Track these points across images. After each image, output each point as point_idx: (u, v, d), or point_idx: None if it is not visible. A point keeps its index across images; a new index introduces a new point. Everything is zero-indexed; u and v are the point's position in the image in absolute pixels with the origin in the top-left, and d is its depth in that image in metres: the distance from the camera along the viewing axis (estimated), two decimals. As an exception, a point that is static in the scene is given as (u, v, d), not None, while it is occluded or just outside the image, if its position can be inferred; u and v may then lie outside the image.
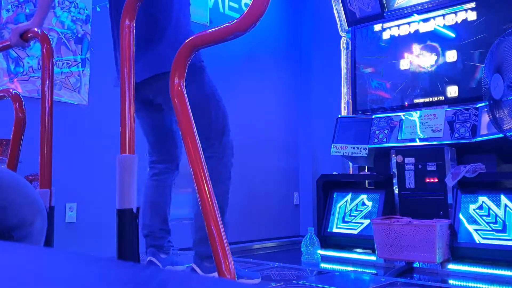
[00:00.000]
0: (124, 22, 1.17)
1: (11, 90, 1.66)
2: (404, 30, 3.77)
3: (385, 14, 3.91)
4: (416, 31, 3.71)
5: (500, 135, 2.81)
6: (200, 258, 1.87)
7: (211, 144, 1.87)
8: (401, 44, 3.77)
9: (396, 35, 3.80)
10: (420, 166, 3.18)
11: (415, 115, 3.39)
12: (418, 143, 3.29)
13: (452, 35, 3.52)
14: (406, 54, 3.74)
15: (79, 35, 3.15)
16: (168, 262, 2.05)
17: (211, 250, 1.81)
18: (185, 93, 1.07)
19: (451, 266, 2.82)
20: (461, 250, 2.87)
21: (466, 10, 3.47)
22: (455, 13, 3.52)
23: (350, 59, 4.09)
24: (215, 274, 1.83)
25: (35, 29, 1.67)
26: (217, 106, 1.91)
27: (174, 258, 2.12)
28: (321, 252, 3.36)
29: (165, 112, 2.05)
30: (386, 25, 3.87)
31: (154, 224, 2.06)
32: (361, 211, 3.41)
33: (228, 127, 1.94)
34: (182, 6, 1.95)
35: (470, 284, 2.64)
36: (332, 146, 3.70)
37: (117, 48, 1.96)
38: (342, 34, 4.19)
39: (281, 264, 2.39)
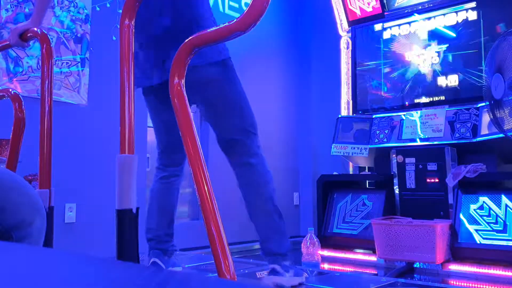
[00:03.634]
0: (123, 22, 1.16)
1: (10, 90, 1.66)
2: (404, 30, 3.77)
3: (385, 13, 3.91)
4: (417, 31, 3.71)
5: (501, 135, 2.81)
6: (275, 255, 1.86)
7: (252, 140, 1.90)
8: (402, 43, 3.77)
9: (397, 34, 3.80)
10: (420, 166, 3.17)
11: (416, 115, 3.39)
12: (418, 143, 3.28)
13: (453, 34, 3.52)
14: (406, 54, 3.74)
15: (79, 35, 3.14)
16: (170, 265, 2.05)
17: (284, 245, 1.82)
18: (184, 93, 1.06)
19: (452, 267, 2.81)
20: (461, 250, 2.86)
21: (466, 10, 3.46)
22: (456, 12, 3.52)
23: (350, 59, 4.09)
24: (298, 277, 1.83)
25: (35, 29, 1.66)
26: (247, 102, 1.93)
27: (175, 260, 2.13)
28: (321, 252, 3.35)
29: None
30: (386, 24, 3.87)
31: (160, 229, 2.04)
32: (362, 211, 3.40)
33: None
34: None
35: (471, 285, 2.63)
36: (333, 146, 3.69)
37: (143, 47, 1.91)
38: (342, 33, 4.19)
39: (282, 264, 2.37)
